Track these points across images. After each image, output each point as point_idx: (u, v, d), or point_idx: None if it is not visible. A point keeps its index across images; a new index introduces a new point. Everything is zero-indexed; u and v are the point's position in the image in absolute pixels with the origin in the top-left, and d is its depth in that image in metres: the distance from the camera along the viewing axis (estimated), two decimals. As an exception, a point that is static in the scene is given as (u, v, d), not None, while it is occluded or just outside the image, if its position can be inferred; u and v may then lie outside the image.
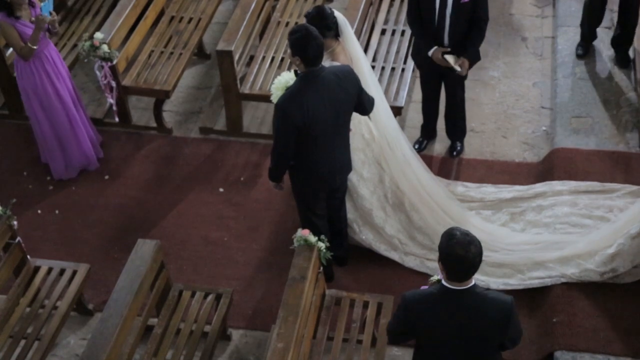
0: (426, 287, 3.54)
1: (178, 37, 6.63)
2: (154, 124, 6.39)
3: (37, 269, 4.85)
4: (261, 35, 6.66)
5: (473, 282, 3.30)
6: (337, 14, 4.71)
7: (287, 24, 6.68)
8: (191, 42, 6.58)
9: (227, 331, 4.87)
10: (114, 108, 6.24)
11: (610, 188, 5.37)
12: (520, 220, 5.31)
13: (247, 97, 6.14)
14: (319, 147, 4.46)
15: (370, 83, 4.90)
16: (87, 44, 5.86)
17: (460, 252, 3.19)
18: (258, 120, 6.46)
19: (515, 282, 4.99)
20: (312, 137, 4.39)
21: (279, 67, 6.28)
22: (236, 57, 5.98)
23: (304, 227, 4.72)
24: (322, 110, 4.32)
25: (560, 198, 5.34)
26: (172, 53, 6.46)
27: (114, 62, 5.95)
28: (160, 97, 6.22)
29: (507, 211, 5.37)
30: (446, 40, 5.29)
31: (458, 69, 5.29)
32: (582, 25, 6.49)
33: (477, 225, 5.19)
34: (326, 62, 4.63)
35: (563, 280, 4.90)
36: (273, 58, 6.35)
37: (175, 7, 6.90)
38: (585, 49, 6.52)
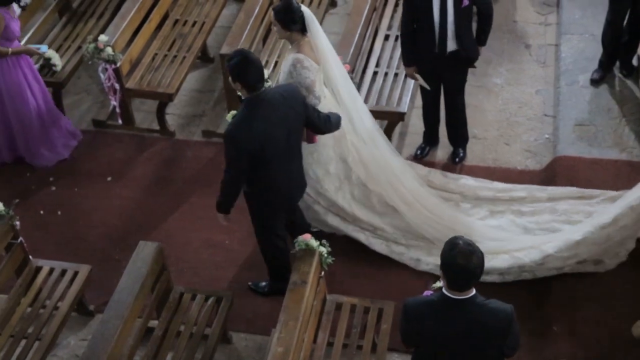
0: (429, 292, 3.54)
1: (182, 40, 6.65)
2: (157, 127, 6.40)
3: (38, 269, 4.85)
4: (264, 39, 6.68)
5: (474, 292, 3.30)
6: (304, 8, 4.72)
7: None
8: (195, 46, 6.60)
9: (228, 334, 4.87)
10: (117, 110, 6.26)
11: (589, 194, 5.37)
12: (500, 218, 5.32)
13: (250, 100, 6.14)
14: (275, 168, 4.43)
15: (340, 80, 4.94)
16: (92, 46, 5.88)
17: (462, 262, 3.19)
18: (261, 124, 6.46)
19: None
20: (265, 161, 4.36)
21: (283, 71, 6.29)
22: (240, 61, 5.99)
23: (263, 250, 4.85)
24: (273, 132, 4.30)
25: (539, 205, 5.35)
26: (175, 56, 6.48)
27: (118, 64, 5.97)
28: (164, 100, 6.24)
29: (487, 208, 5.39)
30: (452, 45, 5.29)
31: (427, 87, 5.52)
32: (605, 49, 6.28)
33: (455, 218, 5.23)
34: (292, 53, 4.71)
35: (525, 274, 4.96)
36: (276, 62, 6.36)
37: (180, 10, 6.91)
38: (602, 75, 6.35)
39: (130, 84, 6.19)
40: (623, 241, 4.91)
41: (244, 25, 6.11)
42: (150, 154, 6.23)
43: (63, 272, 4.86)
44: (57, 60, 6.14)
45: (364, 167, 5.21)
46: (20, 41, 5.85)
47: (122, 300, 4.18)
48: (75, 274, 4.85)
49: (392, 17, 6.76)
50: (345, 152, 5.15)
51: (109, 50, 5.87)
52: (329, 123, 4.66)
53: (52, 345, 4.51)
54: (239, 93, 4.43)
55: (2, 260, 4.63)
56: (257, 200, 4.62)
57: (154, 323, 4.63)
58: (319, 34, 4.81)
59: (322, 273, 4.50)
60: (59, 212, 5.75)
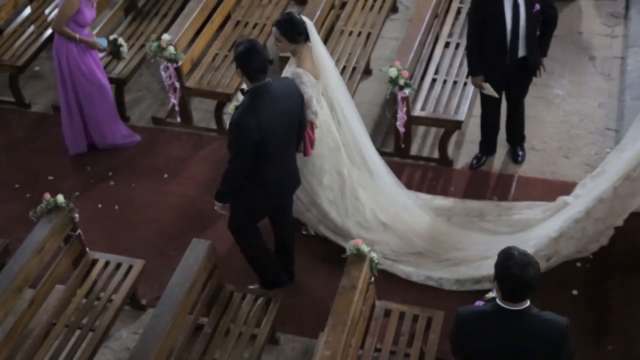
0: (481, 303, 3.49)
1: (242, 41, 6.70)
2: (214, 126, 6.48)
3: (94, 262, 4.96)
4: (324, 43, 6.65)
5: (528, 303, 3.24)
6: (305, 19, 4.77)
7: (350, 32, 6.71)
8: (255, 47, 6.64)
9: (276, 335, 4.89)
10: (176, 108, 6.36)
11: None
12: (473, 227, 5.37)
13: (307, 103, 6.16)
14: (271, 161, 4.46)
15: (336, 85, 4.98)
16: (155, 45, 5.99)
17: (517, 273, 3.14)
18: (317, 127, 6.48)
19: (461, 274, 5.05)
20: (265, 150, 4.38)
21: (341, 75, 6.28)
22: (299, 64, 6.02)
23: (239, 244, 4.87)
24: (276, 123, 4.35)
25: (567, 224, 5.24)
26: (235, 57, 6.54)
27: (179, 63, 6.07)
28: (222, 100, 6.31)
29: (461, 219, 5.45)
30: (522, 51, 5.27)
31: (496, 95, 5.47)
32: None
33: (442, 228, 5.30)
34: (292, 67, 4.74)
35: None
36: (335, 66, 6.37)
37: (242, 12, 6.99)
38: None
39: (190, 83, 6.28)
40: (601, 232, 4.87)
41: (304, 29, 6.13)
42: (207, 153, 6.30)
43: (118, 266, 4.95)
44: (125, 48, 6.22)
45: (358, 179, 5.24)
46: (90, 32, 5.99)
47: (174, 296, 4.24)
48: (130, 268, 4.94)
49: (453, 25, 6.71)
50: (340, 164, 5.15)
51: (171, 49, 5.97)
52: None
53: (104, 337, 4.60)
54: (243, 86, 4.49)
55: (60, 252, 4.75)
56: (249, 192, 4.61)
57: (203, 320, 4.68)
58: (318, 43, 4.85)
59: (372, 279, 4.48)
60: (116, 207, 5.87)
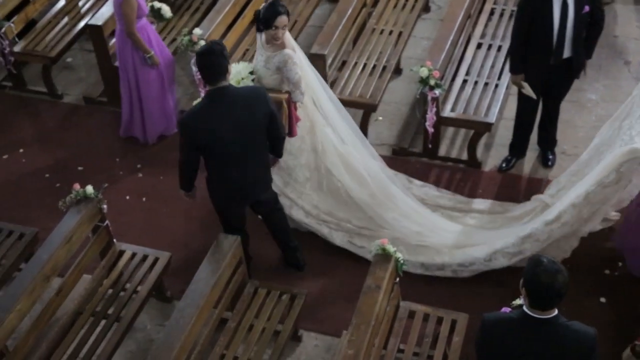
0: (508, 309, 3.45)
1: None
2: (243, 122, 6.48)
3: (121, 253, 4.99)
4: (355, 41, 6.68)
5: (556, 312, 3.19)
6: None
7: (382, 31, 6.69)
8: (286, 44, 6.65)
9: (298, 332, 4.89)
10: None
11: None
12: (457, 222, 5.42)
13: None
14: (229, 164, 4.49)
15: (309, 70, 5.06)
16: (186, 39, 6.01)
17: (546, 280, 3.10)
18: (345, 125, 6.47)
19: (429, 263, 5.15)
20: (218, 154, 4.43)
21: (370, 74, 6.28)
22: (328, 61, 6.02)
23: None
24: (225, 130, 4.34)
25: (497, 217, 5.41)
26: (266, 53, 6.55)
27: (211, 58, 6.07)
28: (252, 96, 6.31)
29: (445, 213, 5.49)
30: (568, 52, 5.21)
31: (534, 96, 5.43)
32: None
33: (417, 208, 5.39)
34: (269, 53, 4.78)
35: (475, 267, 5.05)
36: (365, 65, 6.36)
37: (273, 8, 6.98)
38: None
39: (220, 78, 6.29)
40: (565, 239, 4.89)
41: (335, 26, 6.13)
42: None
43: (144, 258, 4.99)
44: (164, 7, 6.21)
45: (337, 159, 5.30)
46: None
47: (199, 290, 4.26)
48: (156, 260, 4.97)
49: (486, 25, 6.65)
50: (316, 142, 5.23)
51: (202, 43, 5.98)
52: (281, 142, 4.66)
53: (129, 328, 4.63)
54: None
55: (88, 242, 4.79)
56: (212, 187, 4.71)
57: (227, 315, 4.70)
58: (293, 43, 4.94)
59: (397, 279, 4.46)
60: (144, 199, 5.91)
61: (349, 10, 6.29)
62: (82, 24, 6.93)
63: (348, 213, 5.39)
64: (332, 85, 6.17)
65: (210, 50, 4.28)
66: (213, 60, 4.26)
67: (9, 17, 6.67)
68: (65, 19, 7.05)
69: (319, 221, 5.39)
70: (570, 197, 4.70)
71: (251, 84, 4.86)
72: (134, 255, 5.00)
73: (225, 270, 4.44)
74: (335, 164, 5.32)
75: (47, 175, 6.09)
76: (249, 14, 6.68)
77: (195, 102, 4.86)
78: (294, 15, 6.92)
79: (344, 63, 6.47)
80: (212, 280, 4.31)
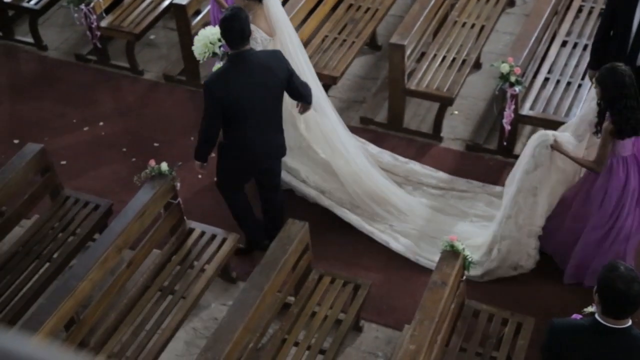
0: (579, 316, 3.35)
1: (353, 25, 6.69)
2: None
3: (191, 231, 5.08)
4: (435, 33, 6.58)
5: (630, 322, 3.09)
6: None
7: (464, 24, 6.57)
8: (365, 32, 6.62)
9: (360, 322, 4.88)
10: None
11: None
12: (439, 201, 5.52)
13: (413, 93, 6.10)
14: (249, 127, 4.60)
15: (295, 49, 5.07)
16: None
17: (622, 287, 2.99)
18: (419, 117, 6.41)
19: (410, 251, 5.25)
20: (240, 117, 4.55)
21: (449, 67, 6.19)
22: (407, 52, 5.95)
23: (224, 199, 5.07)
24: (248, 92, 4.48)
25: (477, 195, 5.55)
26: (345, 40, 6.53)
27: (290, 43, 6.09)
28: (328, 82, 6.30)
29: (427, 191, 5.62)
30: None
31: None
32: None
33: (398, 194, 5.51)
34: (251, 26, 4.71)
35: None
36: (444, 57, 6.27)
37: (355, -5, 6.96)
38: None
39: (297, 63, 6.31)
40: (525, 243, 4.96)
41: (417, 16, 6.05)
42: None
43: (213, 237, 5.06)
44: None
45: (314, 134, 5.41)
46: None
47: (265, 273, 4.29)
48: (224, 240, 5.03)
49: (572, 23, 6.45)
50: (297, 119, 5.31)
51: (282, 28, 6.00)
52: (308, 91, 4.78)
53: (194, 305, 4.71)
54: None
55: (160, 218, 4.88)
56: (228, 153, 4.78)
57: (291, 300, 4.72)
58: (275, 6, 4.96)
59: (464, 277, 4.40)
60: (216, 179, 5.97)
61: (431, 1, 6.20)
62: (166, 2, 7.05)
63: (329, 185, 5.52)
64: (410, 76, 6.11)
65: (235, 16, 4.41)
66: (236, 26, 4.39)
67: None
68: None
69: (306, 185, 5.53)
70: (512, 190, 4.88)
71: (219, 51, 4.96)
72: (202, 233, 5.07)
73: (291, 255, 4.46)
74: (319, 139, 5.44)
75: (124, 149, 6.24)
76: (330, 1, 6.66)
77: (215, 67, 4.97)
78: (375, 3, 6.87)
79: (422, 54, 6.39)
80: (277, 265, 4.33)
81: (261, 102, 4.55)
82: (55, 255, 4.94)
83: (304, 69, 5.22)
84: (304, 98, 4.83)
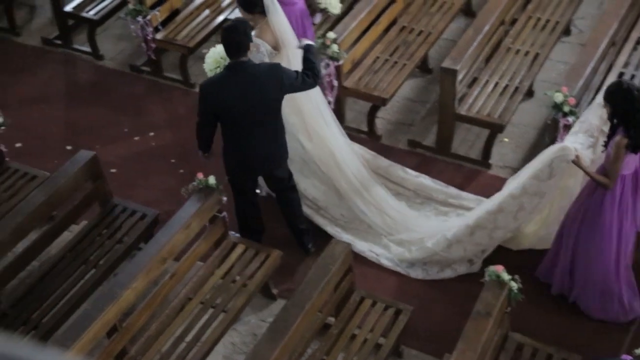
0: (628, 357, 3.26)
1: (405, 47, 6.68)
2: (365, 129, 6.49)
3: (234, 246, 5.10)
4: (488, 58, 6.53)
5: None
6: None
7: (517, 51, 6.51)
8: (417, 55, 6.60)
9: (400, 348, 4.83)
10: (331, 106, 6.41)
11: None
12: (440, 217, 5.57)
13: (463, 118, 6.05)
14: (240, 135, 4.77)
15: (297, 66, 5.05)
16: (319, 41, 6.06)
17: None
18: (468, 143, 6.35)
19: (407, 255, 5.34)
20: (233, 124, 4.73)
21: (501, 93, 6.13)
22: (459, 77, 5.91)
23: (236, 208, 5.18)
24: (239, 101, 4.61)
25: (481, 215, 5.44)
26: (396, 62, 6.53)
27: (341, 62, 6.11)
28: (377, 104, 6.31)
29: (434, 206, 5.66)
30: None
31: None
32: None
33: (392, 204, 5.59)
34: (256, 40, 4.92)
35: (437, 258, 5.25)
36: (496, 84, 6.21)
37: (408, 17, 6.95)
38: None
39: (348, 82, 6.32)
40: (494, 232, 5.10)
41: (470, 41, 6.02)
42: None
43: (256, 253, 5.07)
44: (334, 7, 6.29)
45: (317, 147, 5.50)
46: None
47: (307, 292, 4.27)
48: (267, 256, 5.04)
49: (630, 54, 6.33)
50: (299, 132, 5.39)
51: (335, 47, 6.02)
52: (305, 83, 4.83)
53: (234, 320, 4.72)
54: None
55: (205, 231, 4.92)
56: (226, 156, 4.94)
57: (331, 320, 4.69)
58: (278, 18, 5.07)
59: (509, 308, 4.32)
60: (261, 194, 6.00)
61: (486, 26, 6.16)
62: (221, 17, 7.14)
63: (325, 200, 5.59)
64: (460, 101, 6.07)
65: (234, 28, 4.59)
66: (235, 37, 4.56)
67: (155, 5, 6.95)
68: (207, 12, 7.28)
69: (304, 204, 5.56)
70: (509, 188, 5.01)
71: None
72: (246, 249, 5.09)
73: (333, 275, 4.44)
74: (321, 152, 5.51)
75: (172, 160, 6.31)
76: (383, 22, 6.68)
77: (216, 57, 5.15)
78: (429, 27, 6.86)
79: (474, 80, 6.34)
80: (320, 285, 4.32)
81: (253, 112, 4.68)
82: (101, 262, 5.01)
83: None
84: (306, 87, 4.91)
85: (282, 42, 5.09)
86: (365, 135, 6.48)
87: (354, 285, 4.78)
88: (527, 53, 6.50)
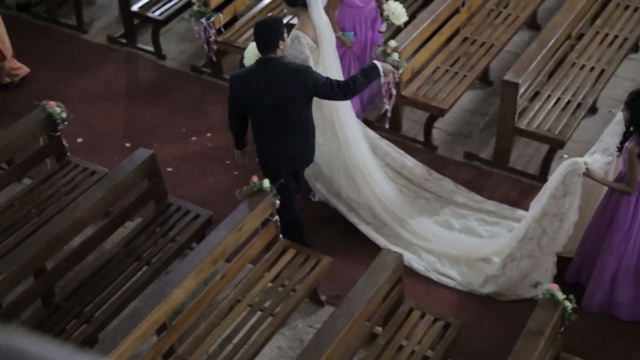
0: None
1: (466, 58, 6.60)
2: (422, 138, 6.44)
3: (285, 249, 5.10)
4: (551, 73, 6.41)
5: None
6: None
7: (582, 66, 6.37)
8: (478, 66, 6.52)
9: (447, 362, 4.76)
10: (388, 115, 6.38)
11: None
12: (460, 220, 5.63)
13: (522, 132, 5.94)
14: (266, 131, 4.89)
15: (331, 63, 5.24)
16: (380, 49, 6.04)
17: None
18: (526, 158, 6.24)
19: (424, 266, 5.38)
20: (257, 118, 4.87)
21: (563, 109, 6.00)
22: (521, 90, 5.82)
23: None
24: (263, 97, 4.73)
25: (502, 221, 5.59)
26: (456, 73, 6.46)
27: (400, 71, 6.07)
28: (435, 114, 6.25)
29: (453, 210, 5.71)
30: None
31: None
32: None
33: (407, 210, 5.67)
34: (297, 33, 5.12)
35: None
36: (559, 99, 6.09)
37: (471, 28, 6.88)
38: None
39: (406, 91, 6.28)
40: (542, 261, 5.02)
41: (534, 55, 5.91)
42: (410, 164, 6.26)
43: (306, 259, 5.06)
44: (399, 15, 6.28)
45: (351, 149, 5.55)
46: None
47: (356, 300, 4.25)
48: (317, 262, 5.03)
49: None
50: (339, 130, 5.47)
51: (395, 55, 5.98)
52: (334, 93, 4.83)
53: (282, 324, 4.72)
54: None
55: (256, 233, 4.93)
56: (258, 152, 5.08)
57: (378, 330, 4.66)
58: (319, 13, 5.15)
59: (562, 328, 4.22)
60: (314, 199, 6.01)
61: (551, 40, 6.04)
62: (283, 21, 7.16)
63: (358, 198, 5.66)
64: (521, 115, 5.96)
65: (267, 24, 4.74)
66: (266, 33, 4.68)
67: (219, 8, 7.02)
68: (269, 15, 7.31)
69: (338, 199, 5.70)
70: (532, 213, 4.94)
71: None
72: (297, 253, 5.09)
73: (383, 285, 4.41)
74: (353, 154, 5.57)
75: (227, 162, 6.36)
76: (446, 32, 6.62)
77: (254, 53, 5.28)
78: (491, 39, 6.76)
79: (536, 94, 6.23)
80: (369, 294, 4.29)
81: (275, 110, 4.77)
82: (153, 260, 5.07)
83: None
84: (336, 98, 4.94)
85: (320, 38, 5.19)
86: (421, 145, 6.43)
87: (403, 296, 4.74)
88: (592, 69, 6.35)
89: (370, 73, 4.89)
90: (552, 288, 4.16)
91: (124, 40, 7.72)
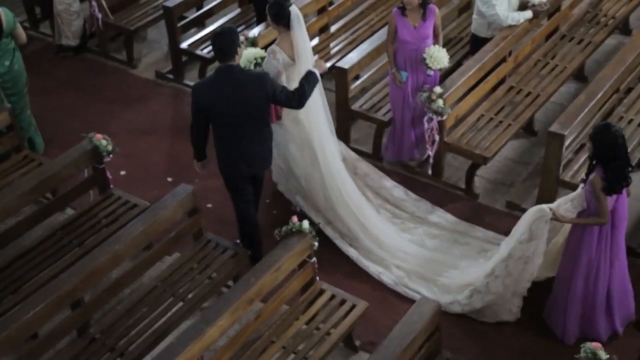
0: None
1: (511, 107, 6.56)
2: (463, 186, 6.38)
3: (321, 292, 5.06)
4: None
5: None
6: (293, 8, 5.41)
7: (630, 120, 6.28)
8: (523, 116, 6.48)
9: (482, 418, 4.64)
10: (431, 160, 6.35)
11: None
12: (434, 240, 5.82)
13: (566, 184, 5.85)
14: (228, 136, 5.12)
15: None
16: (425, 95, 6.04)
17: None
18: (570, 210, 6.12)
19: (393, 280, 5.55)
20: (219, 124, 5.08)
21: (609, 162, 5.89)
22: (566, 142, 5.74)
23: (236, 212, 5.48)
24: (224, 104, 4.96)
25: (473, 242, 5.78)
26: (501, 122, 6.42)
27: (444, 117, 6.06)
28: (477, 162, 6.20)
29: (427, 230, 5.90)
30: None
31: None
32: None
33: (382, 228, 5.84)
34: (274, 48, 5.42)
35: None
36: (583, 145, 5.98)
37: (518, 78, 6.85)
38: None
39: (450, 138, 6.25)
40: (508, 299, 5.15)
41: (581, 107, 5.85)
42: (451, 210, 6.19)
43: (342, 302, 5.01)
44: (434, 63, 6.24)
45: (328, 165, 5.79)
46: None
47: (392, 348, 4.18)
48: (353, 306, 4.97)
49: None
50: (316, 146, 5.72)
51: (440, 102, 5.98)
52: (293, 100, 5.18)
53: (314, 368, 4.66)
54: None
55: (294, 274, 4.91)
56: (219, 157, 5.28)
57: (413, 380, 4.56)
58: (300, 34, 5.42)
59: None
60: (295, 210, 5.99)
61: (599, 93, 5.98)
62: (328, 64, 7.22)
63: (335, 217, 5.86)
64: (565, 167, 5.88)
65: (221, 34, 4.97)
66: (222, 42, 4.93)
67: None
68: (316, 57, 7.37)
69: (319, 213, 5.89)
70: (501, 252, 5.10)
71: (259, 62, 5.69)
72: (332, 297, 5.04)
73: (420, 334, 4.34)
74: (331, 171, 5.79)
75: (267, 200, 6.37)
76: (492, 80, 6.60)
77: (247, 58, 5.76)
78: (538, 89, 6.72)
79: (581, 146, 6.13)
80: (405, 342, 4.22)
81: (236, 115, 5.01)
82: (189, 296, 5.07)
83: (317, 100, 5.66)
84: (290, 106, 5.28)
85: (297, 56, 5.43)
86: (462, 193, 6.37)
87: (440, 346, 4.65)
88: (640, 124, 6.26)
89: (310, 78, 5.24)
90: (594, 347, 4.05)
91: (171, 76, 7.85)
